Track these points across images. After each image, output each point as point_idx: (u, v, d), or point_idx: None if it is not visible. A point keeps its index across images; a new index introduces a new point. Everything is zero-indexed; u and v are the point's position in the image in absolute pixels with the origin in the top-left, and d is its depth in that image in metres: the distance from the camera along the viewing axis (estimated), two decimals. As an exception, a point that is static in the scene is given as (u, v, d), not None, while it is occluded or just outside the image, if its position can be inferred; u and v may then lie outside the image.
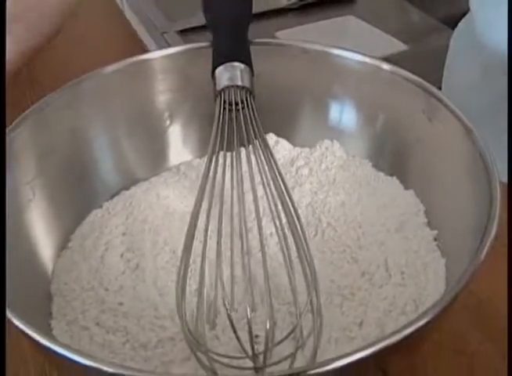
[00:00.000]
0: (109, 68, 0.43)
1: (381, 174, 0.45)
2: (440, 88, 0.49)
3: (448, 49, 0.70)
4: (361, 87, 0.44)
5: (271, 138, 0.48)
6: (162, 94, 0.46)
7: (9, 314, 0.29)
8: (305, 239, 0.37)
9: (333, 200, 0.43)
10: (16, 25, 0.47)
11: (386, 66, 0.42)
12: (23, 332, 0.28)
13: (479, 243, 0.31)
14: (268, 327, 0.31)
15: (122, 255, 0.40)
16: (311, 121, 0.47)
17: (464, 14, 0.67)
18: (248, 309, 0.32)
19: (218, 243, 0.36)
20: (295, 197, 0.43)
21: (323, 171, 0.46)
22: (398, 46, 0.90)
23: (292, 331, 0.33)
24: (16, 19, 0.47)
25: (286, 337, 0.33)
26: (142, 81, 0.45)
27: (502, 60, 0.53)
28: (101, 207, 0.44)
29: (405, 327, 0.28)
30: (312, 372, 0.26)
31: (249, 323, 0.32)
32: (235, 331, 0.32)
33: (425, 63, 0.84)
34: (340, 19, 0.94)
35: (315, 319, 0.34)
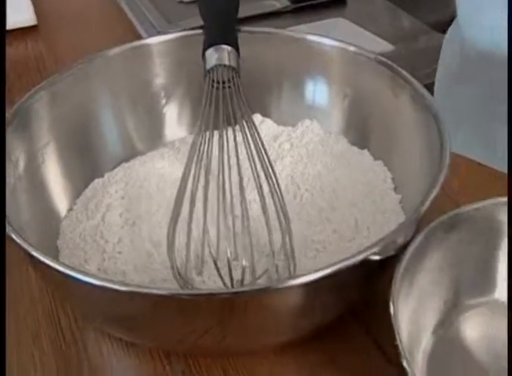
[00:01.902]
0: (114, 50, 0.49)
1: (354, 148, 0.50)
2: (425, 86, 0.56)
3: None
4: (332, 68, 0.49)
5: (257, 118, 0.53)
6: (159, 76, 0.51)
7: (30, 249, 0.34)
8: (283, 201, 0.42)
9: (311, 170, 0.48)
10: None
11: (351, 47, 0.47)
12: (40, 261, 0.33)
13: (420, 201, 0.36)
14: (244, 263, 0.37)
15: (121, 215, 0.45)
16: (291, 102, 0.52)
17: (452, 19, 0.73)
18: (228, 251, 0.38)
19: (205, 204, 0.41)
20: (277, 168, 0.48)
21: (303, 146, 0.51)
22: (385, 46, 0.95)
23: (267, 270, 0.38)
24: None
25: (263, 274, 0.38)
26: (142, 63, 0.50)
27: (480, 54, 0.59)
28: (102, 176, 0.49)
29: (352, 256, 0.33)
30: (273, 287, 0.33)
31: (229, 262, 0.37)
32: (217, 269, 0.37)
33: (411, 62, 0.89)
34: (330, 20, 1.00)
35: (289, 262, 0.39)
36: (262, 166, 0.43)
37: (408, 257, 0.36)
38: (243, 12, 0.82)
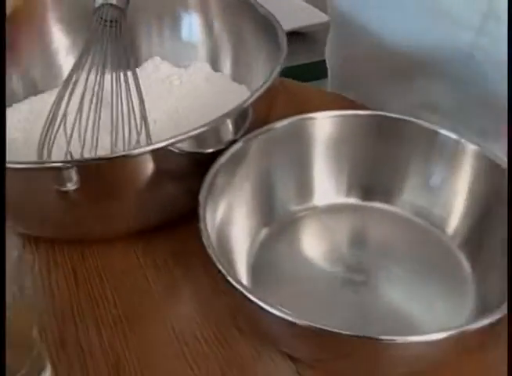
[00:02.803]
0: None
1: (235, 84, 0.56)
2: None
3: None
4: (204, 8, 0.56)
5: (156, 60, 0.59)
6: (58, 23, 0.58)
7: None
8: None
9: (194, 103, 0.55)
10: None
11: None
12: None
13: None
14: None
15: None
16: (182, 43, 0.59)
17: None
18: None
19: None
20: (165, 101, 0.55)
21: (191, 83, 0.57)
22: (320, 17, 1.01)
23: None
24: None
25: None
26: (36, 11, 0.56)
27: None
28: (11, 106, 0.56)
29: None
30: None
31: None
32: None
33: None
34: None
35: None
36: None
37: (224, 158, 0.41)
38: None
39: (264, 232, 0.44)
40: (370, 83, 0.67)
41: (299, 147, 0.45)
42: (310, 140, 0.45)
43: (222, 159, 0.41)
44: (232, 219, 0.42)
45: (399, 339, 0.31)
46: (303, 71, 1.03)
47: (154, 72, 0.59)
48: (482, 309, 0.37)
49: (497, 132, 0.55)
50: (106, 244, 0.45)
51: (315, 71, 1.00)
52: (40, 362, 0.35)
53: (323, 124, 0.44)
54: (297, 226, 0.45)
